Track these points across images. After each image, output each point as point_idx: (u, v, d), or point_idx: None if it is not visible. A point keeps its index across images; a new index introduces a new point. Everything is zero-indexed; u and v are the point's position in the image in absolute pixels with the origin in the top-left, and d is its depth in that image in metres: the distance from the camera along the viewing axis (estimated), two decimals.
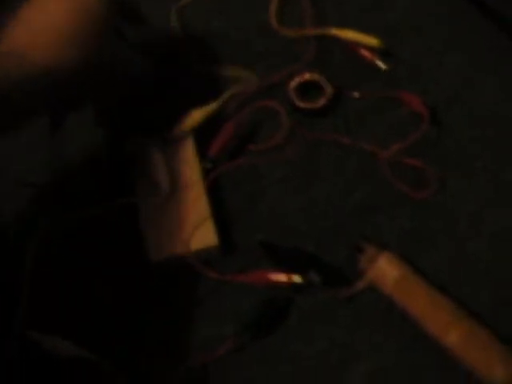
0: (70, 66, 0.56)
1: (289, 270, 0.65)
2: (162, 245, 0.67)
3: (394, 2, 0.80)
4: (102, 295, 0.68)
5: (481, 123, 0.73)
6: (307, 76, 0.76)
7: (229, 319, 0.66)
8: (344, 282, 0.66)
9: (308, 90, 0.75)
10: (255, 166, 0.73)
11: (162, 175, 0.70)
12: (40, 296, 0.66)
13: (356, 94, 0.75)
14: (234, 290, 0.66)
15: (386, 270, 0.65)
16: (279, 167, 0.73)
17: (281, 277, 0.65)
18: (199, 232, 0.67)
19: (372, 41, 0.76)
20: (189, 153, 0.72)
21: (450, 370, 0.62)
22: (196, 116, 0.73)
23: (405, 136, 0.71)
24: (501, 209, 0.68)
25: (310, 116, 0.74)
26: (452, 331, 0.62)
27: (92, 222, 0.70)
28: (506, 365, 0.60)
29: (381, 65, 0.76)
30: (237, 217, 0.70)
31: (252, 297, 0.66)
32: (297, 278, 0.64)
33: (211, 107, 0.73)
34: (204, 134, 0.72)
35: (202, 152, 0.72)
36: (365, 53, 0.77)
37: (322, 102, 0.74)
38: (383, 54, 0.77)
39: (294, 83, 0.75)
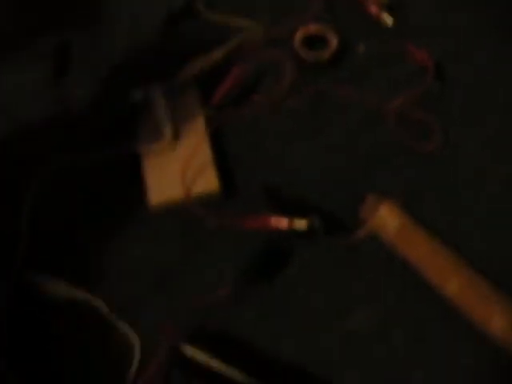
0: None
1: (291, 215, 0.65)
2: (164, 189, 0.67)
3: None
4: (102, 238, 0.68)
5: (484, 78, 0.73)
6: (313, 29, 0.75)
7: (229, 264, 0.65)
8: (345, 230, 0.66)
9: (314, 42, 0.75)
10: (258, 115, 0.72)
11: (165, 122, 0.70)
12: (39, 238, 0.66)
13: (361, 48, 0.75)
14: (234, 235, 0.66)
15: (387, 218, 0.65)
16: (282, 117, 0.72)
17: (282, 222, 0.64)
18: (201, 177, 0.67)
19: None
20: (192, 100, 0.71)
21: (451, 320, 0.61)
22: (200, 64, 0.72)
23: (409, 89, 0.71)
24: (503, 161, 0.68)
25: (315, 68, 0.74)
26: (452, 279, 0.62)
27: (94, 168, 0.70)
28: (504, 313, 0.60)
29: (387, 20, 0.76)
30: (238, 164, 0.70)
31: (253, 242, 0.66)
32: (299, 223, 0.64)
33: (216, 55, 0.73)
34: (208, 83, 0.72)
35: (205, 100, 0.71)
36: (372, 8, 0.77)
37: (327, 54, 0.74)
38: (390, 9, 0.77)
39: (299, 35, 0.75)
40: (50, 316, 0.63)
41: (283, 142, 0.71)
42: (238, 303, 0.64)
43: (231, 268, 0.65)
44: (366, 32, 0.76)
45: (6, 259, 0.65)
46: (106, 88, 0.75)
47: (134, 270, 0.66)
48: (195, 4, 0.78)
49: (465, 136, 0.70)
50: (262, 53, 0.74)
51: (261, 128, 0.72)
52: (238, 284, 0.64)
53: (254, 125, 0.72)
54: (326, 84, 0.73)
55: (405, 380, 0.60)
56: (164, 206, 0.67)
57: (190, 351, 0.60)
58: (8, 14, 0.74)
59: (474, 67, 0.73)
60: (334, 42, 0.75)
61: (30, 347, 0.61)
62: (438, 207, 0.67)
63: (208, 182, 0.67)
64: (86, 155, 0.70)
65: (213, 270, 0.65)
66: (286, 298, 0.64)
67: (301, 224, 0.64)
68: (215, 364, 0.59)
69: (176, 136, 0.69)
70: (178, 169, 0.68)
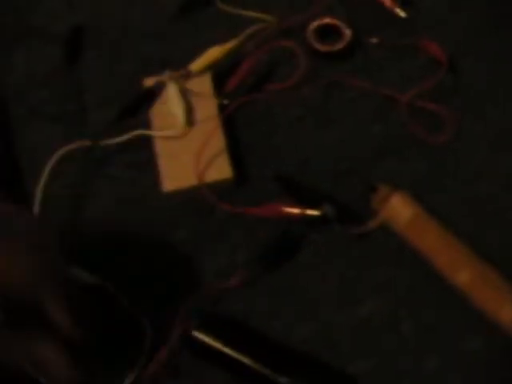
0: None
1: (303, 204, 0.65)
2: (177, 176, 0.67)
3: None
4: (114, 224, 0.68)
5: (498, 71, 0.73)
6: (327, 19, 0.75)
7: (241, 251, 0.66)
8: (357, 220, 0.66)
9: (327, 33, 0.75)
10: (271, 104, 0.73)
11: (179, 109, 0.70)
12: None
13: (375, 40, 0.75)
14: (246, 222, 0.66)
15: (398, 209, 0.65)
16: (295, 106, 0.73)
17: (295, 210, 0.65)
18: (214, 164, 0.67)
19: None
20: (206, 88, 0.71)
21: (462, 309, 0.62)
22: (214, 53, 0.73)
23: (422, 82, 0.71)
24: None
25: (328, 59, 0.74)
26: (463, 270, 0.62)
27: (106, 154, 0.70)
28: None
29: (400, 12, 0.76)
30: (251, 152, 0.70)
31: (265, 229, 0.66)
32: (311, 212, 0.64)
33: (230, 45, 0.73)
34: (222, 72, 0.73)
35: (218, 89, 0.72)
36: (385, 0, 0.77)
37: (340, 45, 0.74)
38: (403, 1, 0.77)
39: (313, 26, 0.75)
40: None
41: (296, 130, 0.71)
42: (250, 290, 0.64)
43: (243, 255, 0.65)
44: (380, 24, 0.76)
45: None
46: (117, 76, 0.75)
47: (146, 256, 0.66)
48: None
49: (477, 128, 0.70)
50: (275, 43, 0.75)
51: (274, 117, 0.72)
52: (250, 271, 0.64)
53: (267, 113, 0.72)
54: (339, 75, 0.73)
55: (417, 369, 0.60)
56: (177, 192, 0.67)
57: (202, 338, 0.60)
58: None
59: (487, 60, 0.73)
60: (347, 33, 0.75)
61: None
62: (449, 199, 0.67)
63: (221, 169, 0.67)
64: (98, 141, 0.70)
65: (225, 258, 0.66)
66: (297, 286, 0.64)
67: (313, 212, 0.64)
68: (227, 350, 0.59)
69: (189, 123, 0.70)
70: (192, 156, 0.68)
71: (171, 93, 0.71)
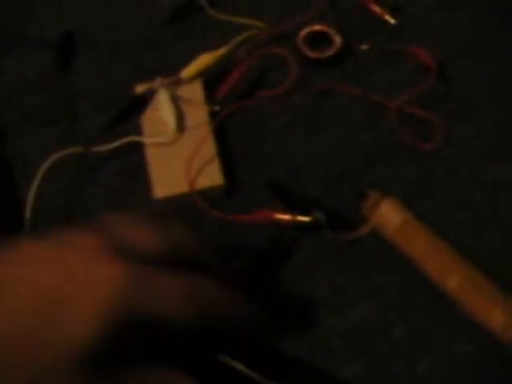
0: None
1: (294, 210, 0.66)
2: (168, 183, 0.68)
3: None
4: None
5: (488, 78, 0.73)
6: (317, 26, 0.76)
7: (231, 257, 0.66)
8: (347, 226, 0.66)
9: (317, 40, 0.76)
10: (262, 111, 0.73)
11: (170, 115, 0.70)
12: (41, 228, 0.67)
13: (364, 47, 0.76)
14: (237, 229, 0.67)
15: (388, 215, 0.66)
16: (286, 113, 0.73)
17: (286, 216, 0.65)
18: (205, 171, 0.68)
19: None
20: (197, 95, 0.72)
21: (452, 314, 0.62)
22: (206, 60, 0.73)
23: (412, 88, 0.72)
24: (505, 159, 0.69)
25: (318, 65, 0.75)
26: (452, 275, 0.63)
27: (98, 160, 0.71)
28: (504, 310, 0.61)
29: (390, 19, 0.77)
30: (242, 159, 0.71)
31: (256, 236, 0.66)
32: (302, 218, 0.65)
33: (221, 51, 0.73)
34: (213, 78, 0.73)
35: (209, 95, 0.72)
36: (375, 7, 0.78)
37: (330, 52, 0.75)
38: (392, 9, 0.77)
39: (303, 33, 0.76)
40: None
41: (287, 137, 0.72)
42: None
43: (234, 262, 0.66)
44: (370, 31, 0.77)
45: None
46: (109, 82, 0.76)
47: None
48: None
49: (467, 135, 0.71)
50: (266, 50, 0.75)
51: (265, 123, 0.73)
52: (240, 277, 0.64)
53: (259, 120, 0.73)
54: (329, 81, 0.74)
55: (409, 372, 0.61)
56: (168, 199, 0.67)
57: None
58: None
59: (476, 67, 0.74)
60: (337, 40, 0.75)
61: None
62: (438, 205, 0.68)
63: (212, 176, 0.68)
64: (90, 148, 0.70)
65: None
66: (288, 291, 0.65)
67: (304, 219, 0.65)
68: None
69: (180, 129, 0.70)
70: (183, 163, 0.68)
71: (162, 99, 0.71)
